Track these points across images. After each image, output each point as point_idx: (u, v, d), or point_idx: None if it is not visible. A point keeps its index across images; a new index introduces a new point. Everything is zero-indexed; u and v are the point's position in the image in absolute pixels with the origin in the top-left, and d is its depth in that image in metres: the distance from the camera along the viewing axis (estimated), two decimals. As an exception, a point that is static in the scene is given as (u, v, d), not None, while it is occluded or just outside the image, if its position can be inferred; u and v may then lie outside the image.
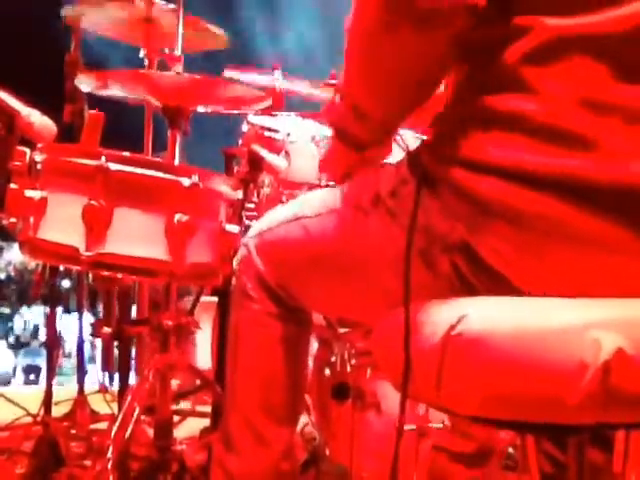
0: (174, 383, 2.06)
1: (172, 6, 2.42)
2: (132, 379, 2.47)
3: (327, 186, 1.87)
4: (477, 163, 1.01)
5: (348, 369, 1.85)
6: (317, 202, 1.27)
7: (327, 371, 1.89)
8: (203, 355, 2.77)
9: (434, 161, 1.08)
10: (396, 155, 1.19)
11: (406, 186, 1.11)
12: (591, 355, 0.86)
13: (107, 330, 2.37)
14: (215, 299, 2.34)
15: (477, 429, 1.46)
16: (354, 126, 1.19)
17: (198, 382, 2.50)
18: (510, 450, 1.63)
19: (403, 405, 0.96)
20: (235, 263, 1.38)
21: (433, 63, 1.07)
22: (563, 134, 0.97)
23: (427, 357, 0.93)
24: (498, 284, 1.03)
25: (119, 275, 1.74)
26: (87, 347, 2.61)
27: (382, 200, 1.14)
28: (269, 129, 2.08)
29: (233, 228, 1.75)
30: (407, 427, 1.67)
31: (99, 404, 2.49)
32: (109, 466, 1.65)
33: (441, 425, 1.64)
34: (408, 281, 1.00)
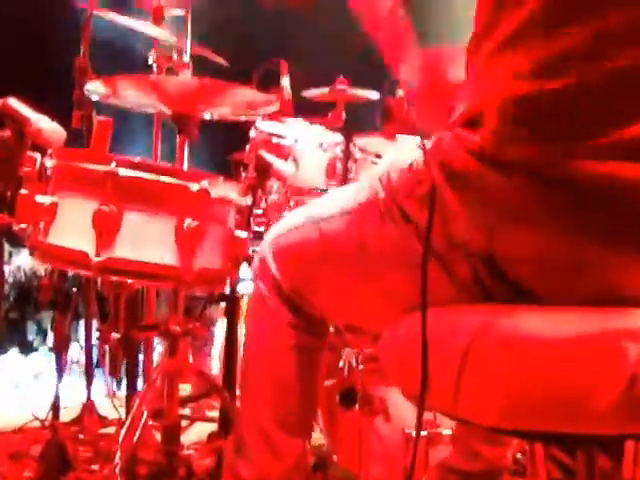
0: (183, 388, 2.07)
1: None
2: (140, 384, 2.48)
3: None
4: (504, 163, 0.98)
5: (356, 375, 1.85)
6: (330, 204, 1.25)
7: (335, 377, 1.89)
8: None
9: (456, 159, 1.03)
10: (409, 155, 1.16)
11: (421, 186, 1.07)
12: (617, 365, 0.84)
13: (115, 335, 2.37)
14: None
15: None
16: None
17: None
18: (518, 456, 1.62)
19: (420, 416, 0.94)
20: (252, 270, 1.37)
21: None
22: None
23: (445, 366, 0.91)
24: (518, 293, 1.00)
25: (128, 280, 1.74)
26: (95, 352, 2.61)
27: (397, 201, 1.10)
28: (277, 135, 2.09)
29: (242, 234, 1.75)
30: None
31: (107, 409, 2.49)
32: (117, 471, 1.65)
33: (450, 431, 1.64)
34: (425, 287, 0.97)
